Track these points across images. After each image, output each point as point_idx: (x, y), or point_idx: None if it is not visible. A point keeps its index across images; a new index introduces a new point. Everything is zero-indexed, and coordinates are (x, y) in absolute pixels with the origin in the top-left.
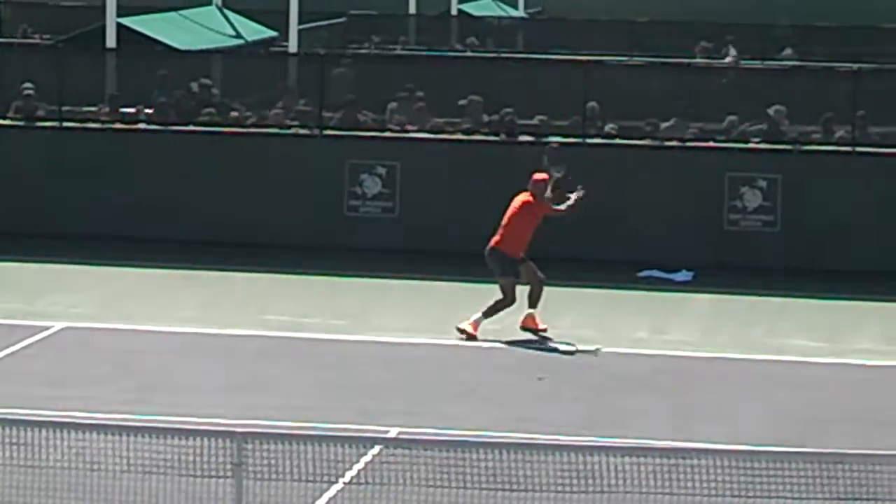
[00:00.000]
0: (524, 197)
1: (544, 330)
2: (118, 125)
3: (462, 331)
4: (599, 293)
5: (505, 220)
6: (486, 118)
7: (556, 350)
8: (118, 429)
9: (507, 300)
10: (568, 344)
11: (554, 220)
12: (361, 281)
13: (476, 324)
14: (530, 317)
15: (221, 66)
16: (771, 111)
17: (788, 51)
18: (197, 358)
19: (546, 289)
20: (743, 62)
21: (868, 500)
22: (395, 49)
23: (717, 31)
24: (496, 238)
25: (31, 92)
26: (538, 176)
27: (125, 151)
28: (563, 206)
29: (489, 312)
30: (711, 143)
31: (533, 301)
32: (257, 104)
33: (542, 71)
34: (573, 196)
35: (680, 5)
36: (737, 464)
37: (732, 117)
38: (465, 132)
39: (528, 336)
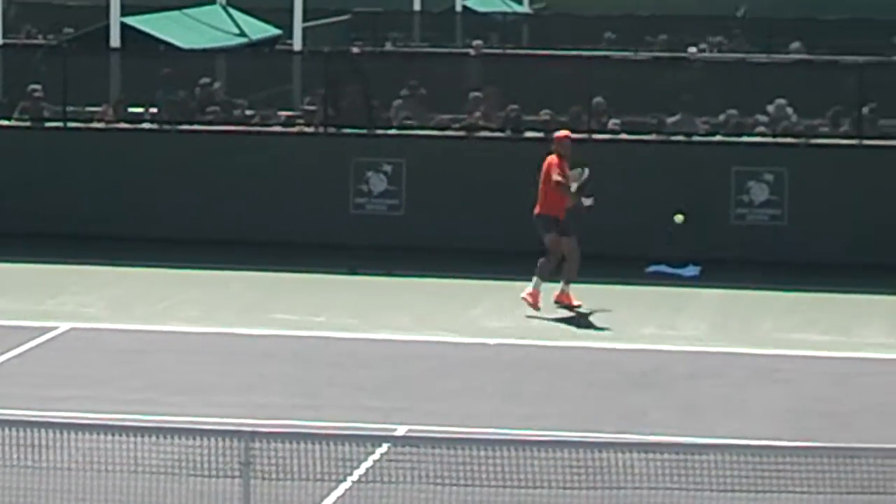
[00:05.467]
0: (549, 158)
1: (578, 306)
2: (122, 125)
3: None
4: (607, 289)
5: (540, 186)
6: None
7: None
8: (126, 429)
9: (553, 257)
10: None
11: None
12: (367, 279)
13: (535, 293)
14: (565, 293)
15: (225, 64)
16: (771, 107)
17: (796, 44)
18: (204, 357)
19: (552, 285)
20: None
21: (879, 493)
22: (399, 46)
23: (723, 25)
24: (536, 206)
25: (39, 94)
26: (559, 133)
27: (130, 151)
28: (573, 189)
29: (541, 275)
30: (717, 138)
31: (566, 276)
32: (262, 103)
33: (547, 67)
34: (586, 200)
35: None
36: (747, 459)
37: (732, 111)
38: (467, 128)
39: (537, 331)
